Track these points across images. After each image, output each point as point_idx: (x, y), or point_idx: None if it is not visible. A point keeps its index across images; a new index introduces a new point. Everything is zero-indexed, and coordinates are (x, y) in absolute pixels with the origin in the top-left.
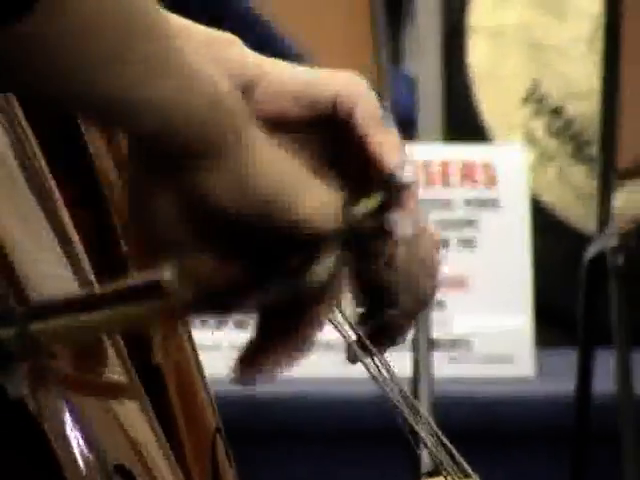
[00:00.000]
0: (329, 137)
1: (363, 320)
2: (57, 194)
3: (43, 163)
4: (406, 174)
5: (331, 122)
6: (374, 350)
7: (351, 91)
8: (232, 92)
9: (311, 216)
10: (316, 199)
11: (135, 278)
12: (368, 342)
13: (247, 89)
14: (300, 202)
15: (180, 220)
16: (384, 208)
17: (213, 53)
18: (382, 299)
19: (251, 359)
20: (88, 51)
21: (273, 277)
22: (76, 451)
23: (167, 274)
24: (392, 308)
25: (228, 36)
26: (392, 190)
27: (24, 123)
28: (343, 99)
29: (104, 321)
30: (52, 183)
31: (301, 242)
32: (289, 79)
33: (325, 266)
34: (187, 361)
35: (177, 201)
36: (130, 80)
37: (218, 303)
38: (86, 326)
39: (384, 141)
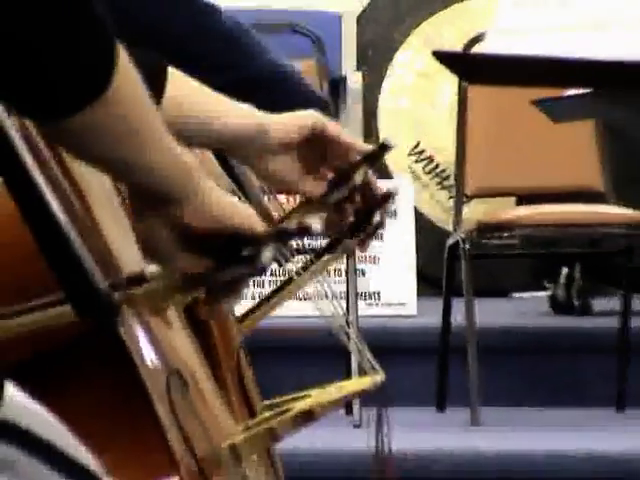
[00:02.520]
0: (311, 149)
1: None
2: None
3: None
4: (388, 142)
5: (310, 139)
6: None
7: (319, 118)
8: (193, 161)
9: (247, 225)
10: (248, 216)
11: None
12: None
13: (261, 132)
14: (235, 220)
15: (169, 236)
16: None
17: (241, 112)
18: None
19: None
20: (122, 133)
21: (229, 265)
22: (147, 357)
23: (152, 268)
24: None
25: (244, 105)
26: (378, 157)
27: None
28: (317, 123)
29: (153, 292)
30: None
31: (245, 241)
32: (284, 120)
33: (267, 254)
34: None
35: (166, 225)
36: (141, 155)
37: (197, 283)
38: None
39: (351, 138)
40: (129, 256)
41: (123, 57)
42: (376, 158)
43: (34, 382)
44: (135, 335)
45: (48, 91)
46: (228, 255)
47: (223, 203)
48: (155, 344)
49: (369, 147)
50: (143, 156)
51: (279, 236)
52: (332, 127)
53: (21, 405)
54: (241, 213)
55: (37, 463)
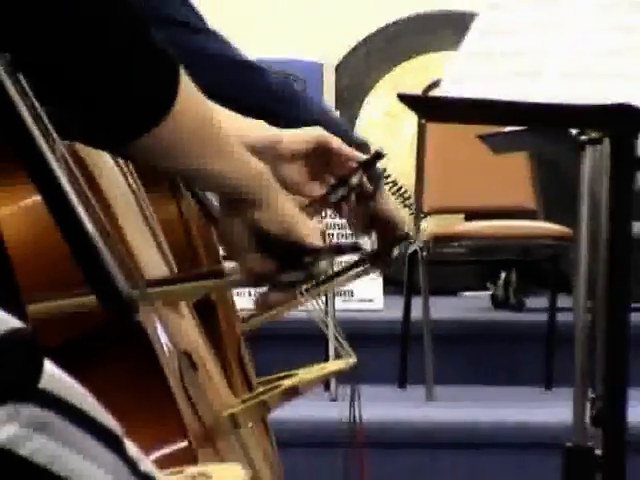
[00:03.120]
0: (317, 158)
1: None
2: (154, 214)
3: (144, 196)
4: (381, 151)
5: (316, 150)
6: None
7: (324, 134)
8: (264, 167)
9: (310, 236)
10: (312, 229)
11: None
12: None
13: (274, 143)
14: (301, 232)
15: (245, 235)
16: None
17: (256, 126)
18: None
19: (263, 300)
20: (190, 146)
21: (291, 268)
22: (163, 342)
23: (226, 265)
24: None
25: (258, 121)
26: (372, 164)
27: (132, 169)
28: (323, 137)
29: (184, 291)
30: (151, 209)
31: (306, 251)
32: (293, 135)
33: (322, 266)
34: (227, 297)
35: (244, 226)
36: (211, 164)
37: (262, 281)
38: (174, 293)
39: (351, 150)
40: (150, 260)
41: (184, 78)
42: (371, 164)
43: (68, 361)
44: (152, 322)
45: (116, 118)
46: (292, 260)
47: (293, 213)
48: (169, 330)
49: (366, 156)
50: (212, 165)
51: (336, 250)
52: (335, 141)
53: (56, 378)
54: (308, 225)
55: (70, 425)
